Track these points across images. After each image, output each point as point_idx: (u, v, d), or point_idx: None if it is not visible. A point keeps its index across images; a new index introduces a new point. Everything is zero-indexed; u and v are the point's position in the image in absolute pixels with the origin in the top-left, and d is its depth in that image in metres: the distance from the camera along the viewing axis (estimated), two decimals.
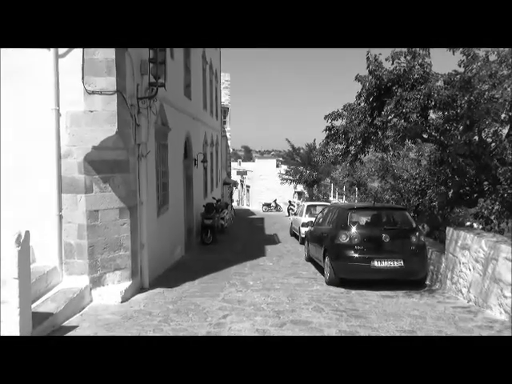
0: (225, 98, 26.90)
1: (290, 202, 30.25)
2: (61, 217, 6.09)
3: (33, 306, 4.92)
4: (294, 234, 16.86)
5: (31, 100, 5.93)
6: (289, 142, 30.74)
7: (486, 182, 8.44)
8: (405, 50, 8.06)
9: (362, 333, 5.00)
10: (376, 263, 7.40)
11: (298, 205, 24.75)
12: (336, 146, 9.41)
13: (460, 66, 7.92)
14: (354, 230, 7.74)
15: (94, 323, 5.26)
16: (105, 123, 5.98)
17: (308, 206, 16.33)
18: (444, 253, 7.62)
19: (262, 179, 40.79)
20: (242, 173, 43.51)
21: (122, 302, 6.18)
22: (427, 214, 10.91)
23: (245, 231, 18.45)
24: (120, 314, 5.67)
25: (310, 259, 10.41)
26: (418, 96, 7.55)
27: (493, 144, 8.32)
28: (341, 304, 6.39)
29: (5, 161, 5.89)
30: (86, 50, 5.83)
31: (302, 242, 12.97)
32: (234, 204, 34.54)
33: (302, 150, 30.16)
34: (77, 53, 5.85)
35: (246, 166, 47.35)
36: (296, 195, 35.39)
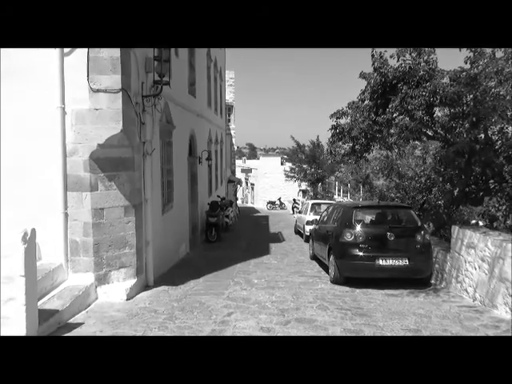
0: (229, 96, 26.90)
1: (294, 200, 30.22)
2: (66, 214, 6.13)
3: (39, 303, 4.95)
4: (298, 232, 16.85)
5: (37, 98, 5.95)
6: (293, 138, 30.65)
7: (492, 180, 8.38)
8: None
9: (367, 331, 4.99)
10: (381, 262, 7.38)
11: (302, 203, 24.71)
12: (341, 144, 9.40)
13: (466, 63, 7.87)
14: (358, 228, 7.72)
15: (100, 320, 5.29)
16: (110, 121, 5.99)
17: (313, 204, 16.32)
18: (449, 251, 7.58)
19: (267, 177, 40.73)
20: (247, 170, 43.47)
21: (127, 300, 6.20)
22: (432, 212, 10.85)
23: (249, 229, 18.46)
24: (125, 311, 5.69)
25: (314, 257, 10.40)
26: (424, 93, 7.51)
27: (499, 142, 8.25)
28: (345, 302, 6.38)
29: (10, 159, 5.93)
30: (91, 48, 5.85)
31: (307, 240, 12.96)
32: (239, 202, 34.57)
33: (306, 148, 30.07)
34: (82, 51, 5.86)
35: (250, 163, 47.29)
36: (300, 193, 35.34)
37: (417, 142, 12.01)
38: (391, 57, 8.17)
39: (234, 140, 28.65)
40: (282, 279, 8.07)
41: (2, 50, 5.65)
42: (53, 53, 5.83)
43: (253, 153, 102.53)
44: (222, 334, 4.80)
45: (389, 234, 7.53)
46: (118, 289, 6.27)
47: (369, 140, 8.72)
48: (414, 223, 7.98)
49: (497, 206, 8.19)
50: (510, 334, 4.96)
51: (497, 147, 8.17)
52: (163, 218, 8.27)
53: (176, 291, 6.90)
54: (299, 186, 32.53)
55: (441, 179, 10.20)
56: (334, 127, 9.09)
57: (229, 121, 26.59)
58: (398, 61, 8.10)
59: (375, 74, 8.19)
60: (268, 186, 40.45)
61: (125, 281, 6.45)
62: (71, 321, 5.25)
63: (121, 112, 5.99)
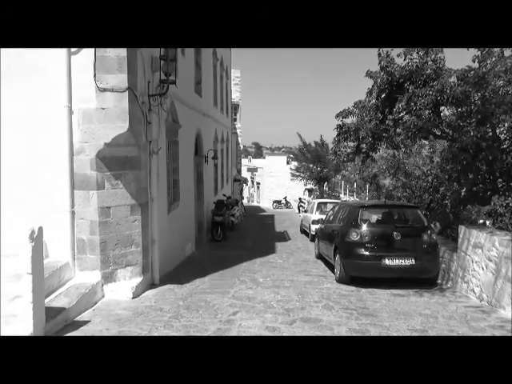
0: (235, 95, 26.87)
1: (300, 199, 30.17)
2: (73, 213, 6.17)
3: (46, 300, 5.00)
4: (304, 232, 16.82)
5: (44, 97, 5.99)
6: (300, 136, 30.53)
7: (500, 179, 8.30)
8: None
9: (373, 331, 4.97)
10: (387, 261, 7.35)
11: (308, 202, 24.68)
12: (347, 144, 9.36)
13: (474, 62, 7.80)
14: (364, 227, 7.69)
15: (106, 318, 5.32)
16: (116, 120, 6.02)
17: (318, 204, 16.28)
18: (456, 251, 7.52)
19: (273, 176, 40.71)
20: (253, 169, 43.45)
21: (133, 298, 6.24)
22: (439, 211, 10.79)
23: (255, 228, 18.47)
24: (131, 309, 5.72)
25: (320, 257, 10.39)
26: (431, 92, 7.45)
27: (507, 141, 8.18)
28: (351, 302, 6.36)
29: (18, 158, 5.98)
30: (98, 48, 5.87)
31: (312, 240, 12.94)
32: (244, 201, 34.58)
33: (312, 146, 29.98)
34: (89, 50, 5.89)
35: (256, 162, 47.26)
36: (306, 192, 35.27)
37: (424, 141, 11.95)
38: (398, 55, 8.12)
39: (239, 139, 28.61)
40: (287, 278, 8.06)
41: (11, 49, 5.69)
42: (60, 52, 5.87)
43: (259, 152, 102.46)
44: (227, 333, 4.81)
45: (395, 233, 7.50)
46: (124, 287, 6.30)
47: (375, 139, 8.68)
48: (420, 223, 7.93)
49: (504, 204, 8.10)
50: None
51: (505, 146, 8.10)
52: (169, 216, 8.30)
53: (182, 290, 6.92)
54: (305, 185, 32.48)
55: (447, 177, 10.12)
56: (339, 126, 9.05)
57: (235, 120, 26.56)
58: (404, 59, 8.05)
59: (382, 73, 8.15)
60: (274, 185, 40.44)
61: (131, 279, 6.49)
62: (78, 318, 5.29)
63: (127, 111, 6.02)
